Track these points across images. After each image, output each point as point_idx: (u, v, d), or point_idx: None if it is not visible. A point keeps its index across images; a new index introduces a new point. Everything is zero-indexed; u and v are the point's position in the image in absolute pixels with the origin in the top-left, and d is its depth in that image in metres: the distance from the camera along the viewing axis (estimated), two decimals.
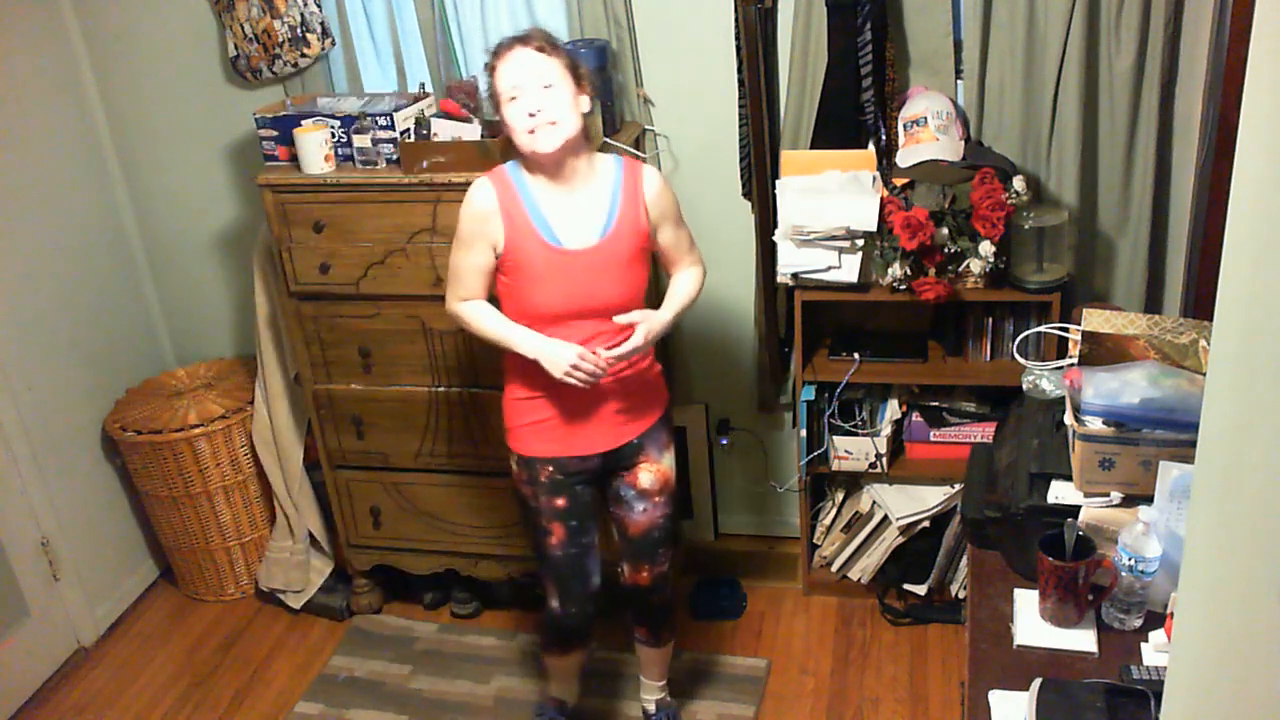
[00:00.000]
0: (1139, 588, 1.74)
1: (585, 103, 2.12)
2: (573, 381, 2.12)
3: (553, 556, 2.34)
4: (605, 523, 2.45)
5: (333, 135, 2.67)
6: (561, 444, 2.27)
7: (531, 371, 2.19)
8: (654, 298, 2.43)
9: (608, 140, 2.68)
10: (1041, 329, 2.57)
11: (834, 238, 2.59)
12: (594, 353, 2.12)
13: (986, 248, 2.53)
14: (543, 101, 2.05)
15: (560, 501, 2.30)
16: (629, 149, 2.74)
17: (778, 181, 2.72)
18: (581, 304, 2.15)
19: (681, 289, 2.31)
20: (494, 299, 2.25)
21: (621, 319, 2.16)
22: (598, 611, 2.45)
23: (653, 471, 2.34)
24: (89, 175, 3.25)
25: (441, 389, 2.82)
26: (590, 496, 2.35)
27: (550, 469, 2.28)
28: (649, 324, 2.18)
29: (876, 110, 2.65)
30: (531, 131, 2.05)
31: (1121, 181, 2.64)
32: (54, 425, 3.11)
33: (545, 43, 2.09)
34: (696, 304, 3.07)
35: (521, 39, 2.09)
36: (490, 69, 2.10)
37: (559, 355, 2.12)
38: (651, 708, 2.67)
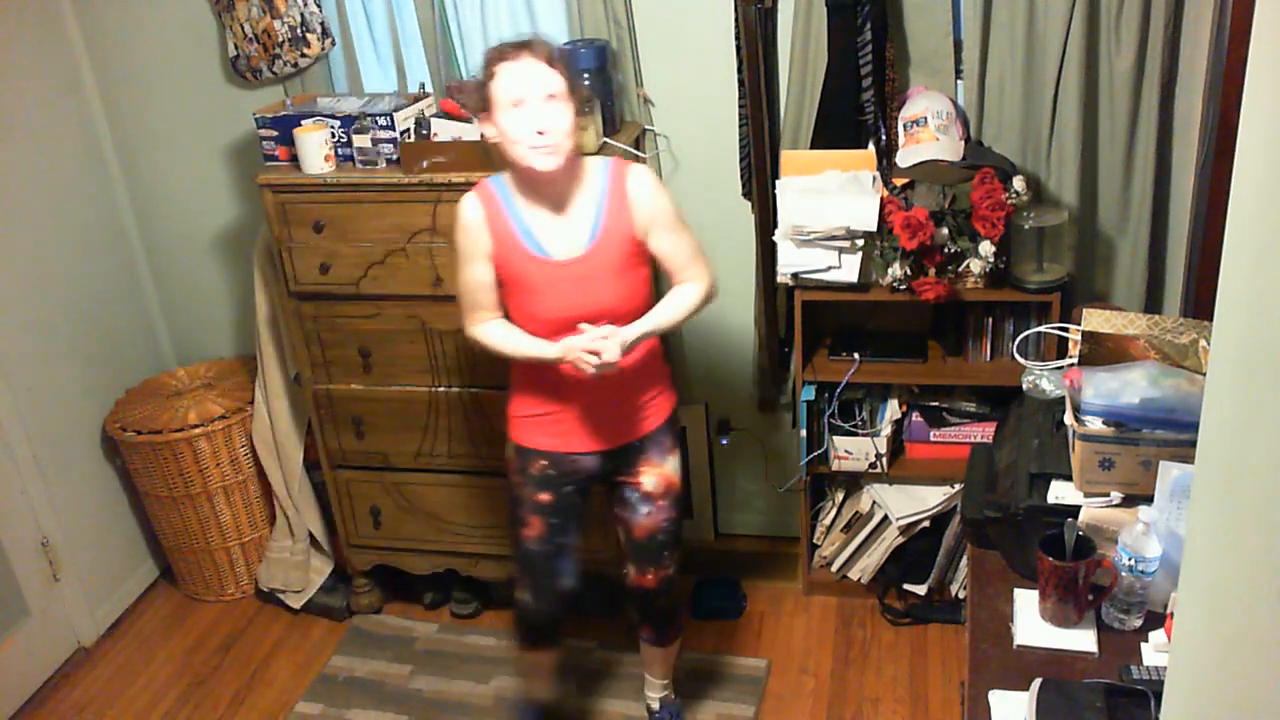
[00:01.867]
0: (1139, 588, 1.74)
1: (581, 121, 2.07)
2: (585, 367, 2.09)
3: (526, 549, 2.36)
4: (608, 527, 2.44)
5: (333, 135, 2.67)
6: (559, 439, 2.28)
7: (538, 366, 2.20)
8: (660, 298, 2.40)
9: (607, 140, 2.68)
10: (1041, 329, 2.57)
11: (834, 238, 2.59)
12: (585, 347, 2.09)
13: (986, 248, 2.53)
14: (550, 121, 1.98)
15: (544, 496, 2.30)
16: (629, 149, 2.74)
17: (778, 181, 2.72)
18: (579, 312, 2.13)
19: (666, 305, 2.20)
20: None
21: (590, 334, 2.08)
22: (567, 613, 2.46)
23: (655, 475, 2.33)
24: (89, 175, 3.25)
25: (441, 389, 2.82)
26: (580, 500, 2.35)
27: (544, 463, 2.29)
28: (619, 337, 2.08)
29: (876, 110, 2.65)
30: (535, 148, 2.00)
31: (1121, 181, 2.64)
32: (54, 425, 3.11)
33: (552, 56, 2.01)
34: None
35: (528, 46, 2.00)
36: (489, 74, 2.01)
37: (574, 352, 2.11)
38: (656, 705, 2.68)
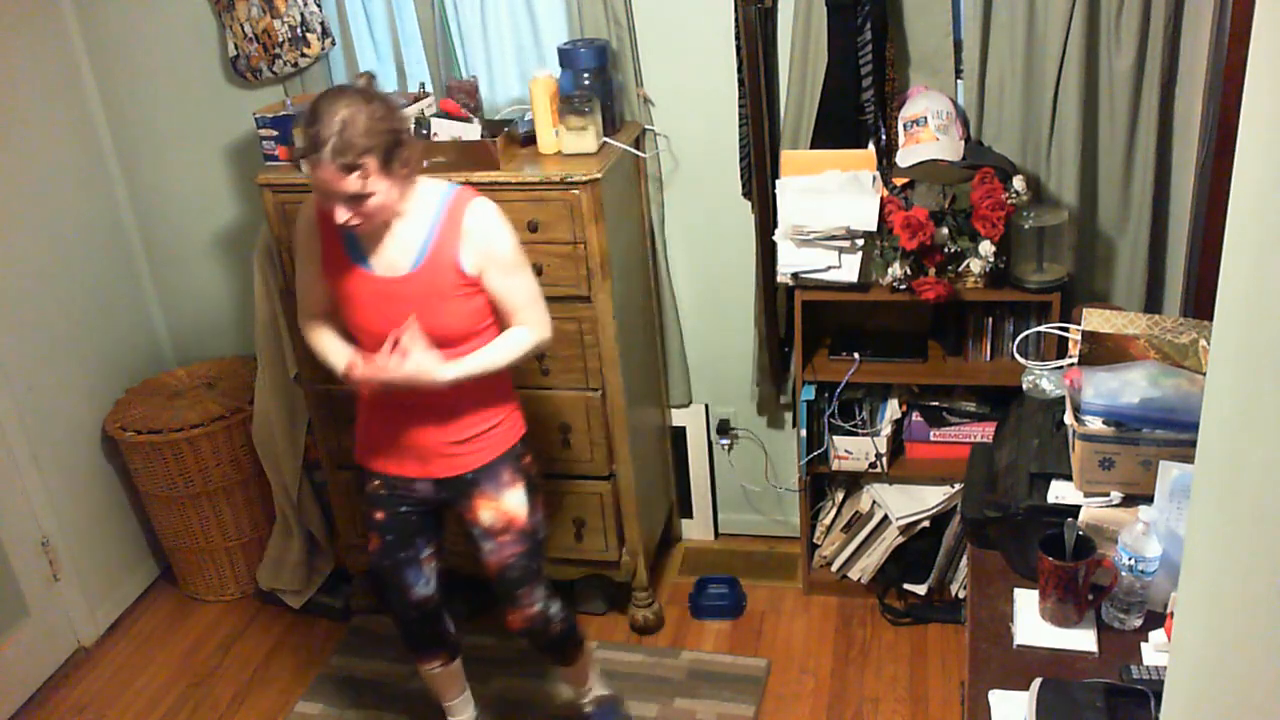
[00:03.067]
0: (1139, 588, 1.74)
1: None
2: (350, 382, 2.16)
3: (371, 562, 2.38)
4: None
5: None
6: (392, 463, 2.29)
7: (378, 389, 2.19)
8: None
9: (607, 140, 2.68)
10: (1041, 329, 2.57)
11: (834, 238, 2.59)
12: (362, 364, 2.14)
13: (986, 248, 2.53)
14: (354, 215, 1.99)
15: (379, 514, 2.33)
16: (629, 149, 2.74)
17: (778, 181, 2.72)
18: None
19: (493, 346, 2.16)
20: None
21: (406, 341, 2.06)
22: (436, 619, 2.44)
23: (491, 510, 2.27)
24: (89, 175, 3.25)
25: None
26: (420, 520, 2.34)
27: (378, 483, 2.32)
28: (418, 361, 2.06)
29: (876, 110, 2.65)
30: (343, 226, 2.02)
31: (1121, 181, 2.64)
32: (54, 425, 3.11)
33: (350, 154, 1.90)
34: (698, 303, 3.10)
35: (322, 148, 1.90)
36: (297, 162, 2.03)
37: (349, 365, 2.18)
38: (591, 708, 2.63)
